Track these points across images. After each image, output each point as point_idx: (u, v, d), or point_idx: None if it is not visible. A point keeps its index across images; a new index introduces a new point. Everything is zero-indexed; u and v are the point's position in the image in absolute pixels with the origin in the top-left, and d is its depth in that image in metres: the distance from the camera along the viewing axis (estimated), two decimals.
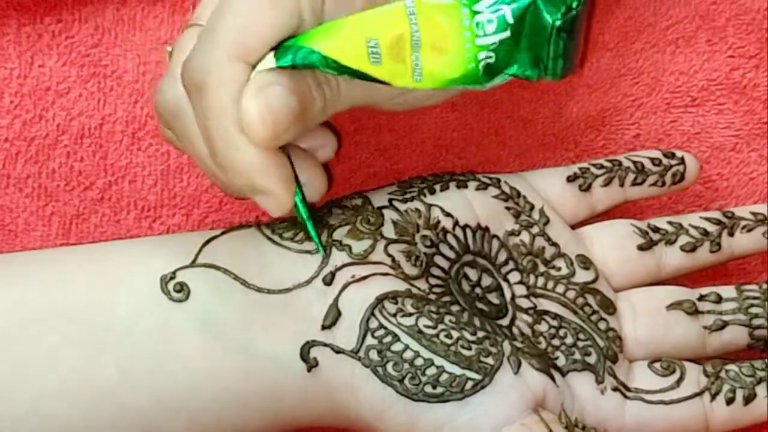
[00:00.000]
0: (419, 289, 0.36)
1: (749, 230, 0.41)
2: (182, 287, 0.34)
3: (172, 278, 0.34)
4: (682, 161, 0.41)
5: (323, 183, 0.36)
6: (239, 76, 0.32)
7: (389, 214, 0.37)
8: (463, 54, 0.32)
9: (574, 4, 0.32)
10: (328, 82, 0.33)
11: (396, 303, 0.35)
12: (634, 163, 0.41)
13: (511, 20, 0.32)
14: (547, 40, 0.32)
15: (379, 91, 0.34)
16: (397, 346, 0.35)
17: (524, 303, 0.38)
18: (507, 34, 0.32)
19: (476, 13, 0.32)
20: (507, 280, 0.39)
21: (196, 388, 0.34)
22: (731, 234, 0.40)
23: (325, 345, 0.34)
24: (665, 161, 0.41)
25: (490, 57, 0.32)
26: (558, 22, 0.32)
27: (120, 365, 0.33)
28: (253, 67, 0.32)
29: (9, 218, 0.42)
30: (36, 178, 0.42)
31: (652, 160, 0.41)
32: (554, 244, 0.39)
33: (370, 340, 0.35)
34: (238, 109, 0.31)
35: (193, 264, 0.35)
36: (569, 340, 0.38)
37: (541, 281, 0.39)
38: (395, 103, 0.36)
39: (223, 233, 0.36)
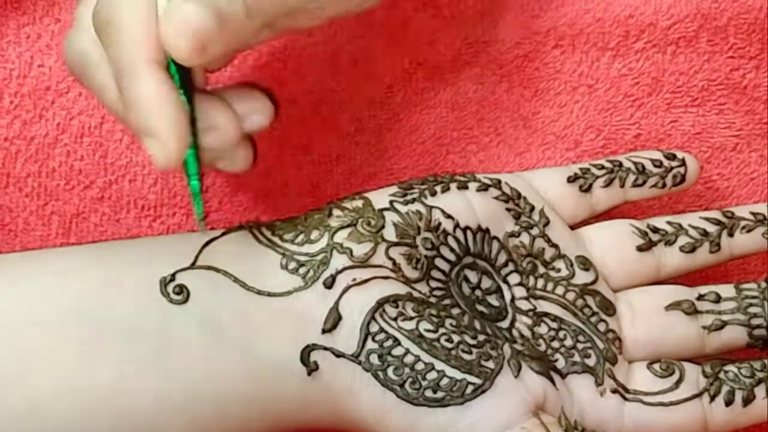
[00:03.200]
0: (420, 292, 0.36)
1: (749, 230, 0.40)
2: (182, 289, 0.34)
3: (171, 280, 0.34)
4: (683, 163, 0.41)
5: (233, 128, 0.35)
6: (148, 5, 0.32)
7: (390, 216, 0.37)
8: None
9: None
10: None
11: (397, 307, 0.35)
12: (635, 164, 0.41)
13: None
14: None
15: None
16: (397, 351, 0.35)
17: (524, 305, 0.38)
18: None
19: None
20: (507, 282, 0.39)
21: (195, 390, 0.34)
22: (731, 234, 0.40)
23: (326, 349, 0.34)
24: (666, 163, 0.41)
25: None
26: None
27: (119, 367, 0.33)
28: None
29: (9, 218, 0.42)
30: (36, 177, 0.42)
31: (653, 161, 0.41)
32: (554, 246, 0.39)
33: (370, 344, 0.34)
34: (150, 37, 0.32)
35: (192, 266, 0.35)
36: (569, 342, 0.38)
37: (540, 283, 0.39)
38: (316, 7, 0.35)
39: (222, 234, 0.36)
